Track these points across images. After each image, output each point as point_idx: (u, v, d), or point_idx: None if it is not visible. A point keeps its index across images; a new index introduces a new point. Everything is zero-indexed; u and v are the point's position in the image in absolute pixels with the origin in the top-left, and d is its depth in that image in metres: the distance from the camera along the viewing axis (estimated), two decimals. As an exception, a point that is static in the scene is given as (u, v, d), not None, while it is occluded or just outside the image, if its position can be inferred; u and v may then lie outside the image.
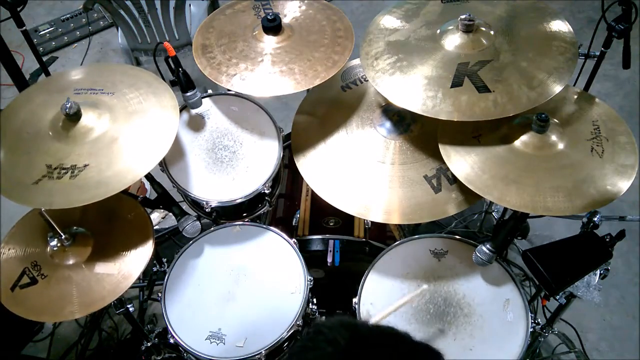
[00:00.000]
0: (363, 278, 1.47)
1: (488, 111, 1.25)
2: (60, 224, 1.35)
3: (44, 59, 2.94)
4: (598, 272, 1.35)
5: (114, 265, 1.37)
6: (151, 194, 2.45)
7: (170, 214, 1.52)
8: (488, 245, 1.36)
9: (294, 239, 1.58)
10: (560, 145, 1.30)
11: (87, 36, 3.47)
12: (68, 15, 3.56)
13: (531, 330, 1.36)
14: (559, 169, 1.26)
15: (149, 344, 1.68)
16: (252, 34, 1.55)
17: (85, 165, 1.28)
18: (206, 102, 1.71)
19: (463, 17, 1.35)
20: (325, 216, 1.76)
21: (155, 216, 2.52)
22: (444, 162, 1.34)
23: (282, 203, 1.98)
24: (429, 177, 1.42)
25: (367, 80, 1.60)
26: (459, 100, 1.27)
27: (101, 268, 1.37)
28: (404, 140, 1.49)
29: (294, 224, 1.73)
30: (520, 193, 1.23)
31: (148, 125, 1.36)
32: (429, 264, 1.48)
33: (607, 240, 1.28)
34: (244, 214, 1.71)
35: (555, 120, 1.34)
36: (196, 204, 1.68)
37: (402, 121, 1.52)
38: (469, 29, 1.37)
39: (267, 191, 1.60)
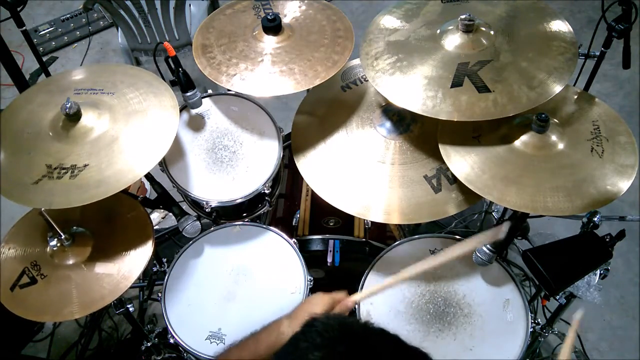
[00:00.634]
0: (363, 278, 1.47)
1: (488, 111, 1.25)
2: (60, 224, 1.35)
3: (44, 59, 2.94)
4: (598, 272, 1.35)
5: (114, 266, 1.37)
6: (151, 194, 2.46)
7: (170, 214, 1.52)
8: (488, 245, 1.36)
9: (294, 239, 1.58)
10: (560, 145, 1.30)
11: (87, 36, 3.47)
12: (68, 15, 3.56)
13: (531, 330, 1.36)
14: (559, 169, 1.26)
15: (149, 344, 1.68)
16: (252, 34, 1.55)
17: (85, 165, 1.28)
18: (206, 102, 1.71)
19: (463, 17, 1.36)
20: (325, 216, 1.76)
21: (155, 216, 2.52)
22: (444, 162, 1.34)
23: (282, 203, 1.98)
24: (429, 177, 1.42)
25: (367, 80, 1.60)
26: (459, 100, 1.27)
27: (101, 268, 1.37)
28: (404, 140, 1.49)
29: (294, 224, 1.73)
30: (520, 193, 1.23)
31: (148, 125, 1.36)
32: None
33: (607, 240, 1.28)
34: (244, 214, 1.71)
35: (555, 120, 1.34)
36: (196, 204, 1.68)
37: (402, 121, 1.52)
38: (469, 29, 1.37)
39: (267, 191, 1.61)
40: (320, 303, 1.14)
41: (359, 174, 1.45)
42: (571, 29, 1.38)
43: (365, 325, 0.76)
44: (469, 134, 1.35)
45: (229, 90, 1.57)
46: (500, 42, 1.37)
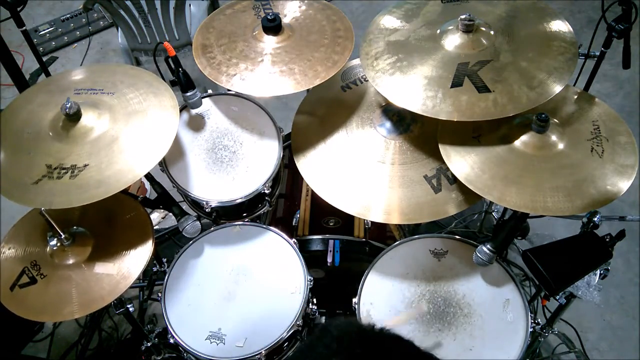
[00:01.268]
0: (363, 278, 1.47)
1: (488, 111, 1.25)
2: (60, 223, 1.35)
3: (44, 59, 2.94)
4: (598, 272, 1.35)
5: (113, 266, 1.37)
6: (151, 194, 2.45)
7: (170, 214, 1.52)
8: (488, 245, 1.36)
9: (294, 239, 1.58)
10: (560, 145, 1.30)
11: (87, 36, 3.47)
12: (68, 15, 3.56)
13: (531, 330, 1.36)
14: (559, 169, 1.26)
15: (149, 344, 1.68)
16: (252, 34, 1.55)
17: (85, 165, 1.28)
18: (206, 102, 1.71)
19: (463, 17, 1.35)
20: (325, 216, 1.76)
21: (155, 216, 2.52)
22: (444, 162, 1.34)
23: (282, 203, 1.98)
24: (429, 177, 1.42)
25: (367, 80, 1.60)
26: (459, 100, 1.27)
27: (100, 268, 1.37)
28: (404, 140, 1.49)
29: (294, 224, 1.73)
30: (520, 193, 1.23)
31: (148, 125, 1.36)
32: (429, 264, 1.48)
33: (607, 240, 1.28)
34: (244, 214, 1.71)
35: (555, 120, 1.34)
36: (196, 204, 1.68)
37: (402, 121, 1.52)
38: (469, 29, 1.37)
39: (267, 191, 1.60)
40: None
41: (359, 174, 1.45)
42: (571, 29, 1.38)
43: (381, 330, 0.75)
44: (469, 134, 1.35)
45: (229, 90, 1.57)
46: (500, 42, 1.37)
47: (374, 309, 1.42)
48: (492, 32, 1.39)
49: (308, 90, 1.62)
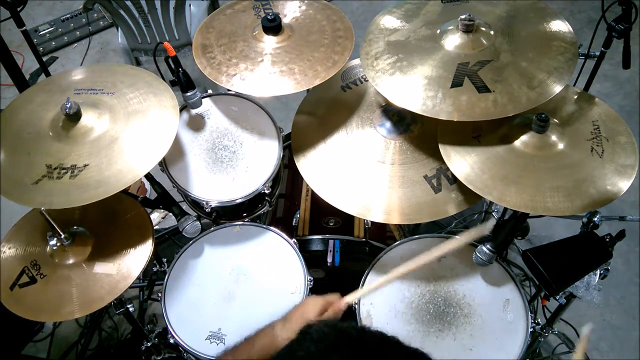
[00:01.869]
0: (363, 278, 1.47)
1: (488, 111, 1.25)
2: (60, 223, 1.35)
3: (44, 59, 2.94)
4: (598, 272, 1.35)
5: (113, 266, 1.37)
6: (151, 194, 2.46)
7: (170, 214, 1.52)
8: (488, 246, 1.36)
9: (294, 239, 1.58)
10: (560, 145, 1.30)
11: (87, 36, 3.47)
12: (68, 15, 3.56)
13: (531, 330, 1.36)
14: (559, 169, 1.26)
15: (149, 344, 1.68)
16: (252, 34, 1.55)
17: (85, 165, 1.28)
18: (206, 102, 1.71)
19: (463, 17, 1.35)
20: (325, 216, 1.76)
21: (155, 216, 2.52)
22: (444, 162, 1.34)
23: (282, 203, 1.98)
24: (429, 177, 1.42)
25: (367, 80, 1.60)
26: (459, 100, 1.27)
27: (100, 268, 1.37)
28: (404, 140, 1.49)
29: (294, 224, 1.73)
30: (520, 193, 1.23)
31: (148, 125, 1.36)
32: (429, 264, 1.48)
33: (607, 240, 1.28)
34: (244, 214, 1.71)
35: (555, 120, 1.34)
36: (196, 204, 1.68)
37: (402, 121, 1.52)
38: (469, 29, 1.37)
39: (267, 191, 1.61)
40: (313, 306, 1.14)
41: (359, 174, 1.45)
42: (571, 29, 1.38)
43: (362, 330, 0.74)
44: (469, 134, 1.35)
45: (229, 90, 1.57)
46: (500, 42, 1.37)
47: (374, 309, 1.42)
48: (492, 32, 1.39)
49: (308, 90, 1.62)
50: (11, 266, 1.39)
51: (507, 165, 1.28)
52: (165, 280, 1.52)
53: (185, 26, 2.56)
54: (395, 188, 1.41)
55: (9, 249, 1.43)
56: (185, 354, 1.44)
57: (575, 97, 1.43)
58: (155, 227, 1.86)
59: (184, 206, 1.64)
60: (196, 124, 1.69)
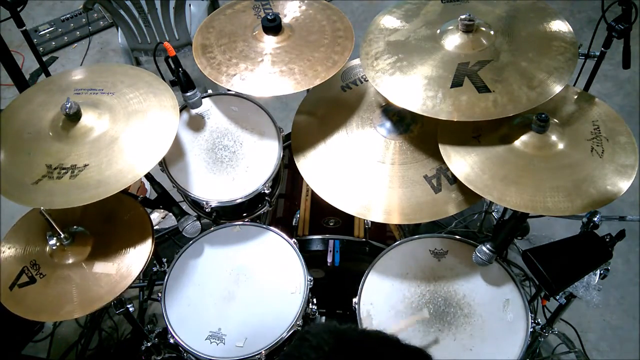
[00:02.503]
0: (363, 278, 1.47)
1: (488, 111, 1.25)
2: (59, 223, 1.35)
3: (44, 59, 2.94)
4: (598, 272, 1.34)
5: (113, 265, 1.37)
6: (151, 194, 2.45)
7: (170, 214, 1.52)
8: (488, 245, 1.36)
9: (294, 239, 1.58)
10: (560, 145, 1.30)
11: (87, 36, 3.47)
12: (68, 15, 3.56)
13: (531, 330, 1.36)
14: (559, 169, 1.26)
15: (149, 344, 1.68)
16: (252, 34, 1.55)
17: (85, 165, 1.28)
18: (206, 102, 1.71)
19: (463, 17, 1.36)
20: (325, 216, 1.76)
21: (155, 216, 2.52)
22: (444, 162, 1.34)
23: (282, 203, 1.98)
24: (429, 177, 1.42)
25: (367, 80, 1.60)
26: (459, 100, 1.27)
27: (100, 268, 1.37)
28: (404, 140, 1.49)
29: (294, 224, 1.73)
30: (520, 193, 1.23)
31: (148, 125, 1.36)
32: (429, 264, 1.48)
33: (607, 240, 1.28)
34: (244, 214, 1.71)
35: (555, 120, 1.34)
36: (196, 204, 1.68)
37: (402, 121, 1.52)
38: (469, 29, 1.37)
39: (267, 191, 1.60)
40: None
41: (359, 174, 1.45)
42: (571, 29, 1.38)
43: (362, 332, 0.73)
44: (469, 134, 1.35)
45: (229, 90, 1.57)
46: (500, 42, 1.37)
47: (374, 309, 1.42)
48: (492, 32, 1.39)
49: (308, 90, 1.62)
50: (11, 266, 1.39)
51: (507, 165, 1.28)
52: (165, 280, 1.52)
53: (185, 26, 2.56)
54: (395, 188, 1.41)
55: (9, 248, 1.43)
56: (185, 354, 1.44)
57: (575, 97, 1.43)
58: (155, 227, 1.86)
59: (184, 206, 1.64)
60: (196, 124, 1.69)
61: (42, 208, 1.27)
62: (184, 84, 1.52)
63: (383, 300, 1.43)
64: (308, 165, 1.51)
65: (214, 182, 1.60)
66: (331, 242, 1.68)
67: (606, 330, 2.14)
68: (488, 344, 1.34)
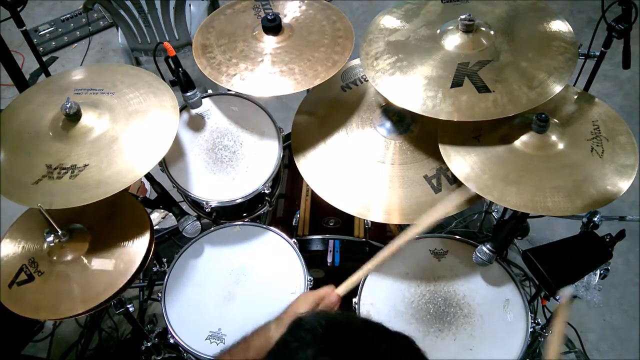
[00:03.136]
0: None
1: (488, 111, 1.25)
2: (57, 220, 1.35)
3: (44, 59, 2.94)
4: (598, 272, 1.35)
5: (111, 262, 1.37)
6: (151, 194, 2.45)
7: (170, 214, 1.52)
8: (488, 245, 1.36)
9: (294, 239, 1.58)
10: (560, 145, 1.30)
11: (87, 36, 3.47)
12: (68, 15, 3.56)
13: (531, 330, 1.36)
14: (559, 169, 1.26)
15: (149, 344, 1.68)
16: (252, 34, 1.55)
17: (85, 165, 1.28)
18: (206, 102, 1.71)
19: (463, 17, 1.36)
20: (325, 216, 1.76)
21: (155, 216, 2.52)
22: (444, 162, 1.34)
23: (282, 203, 1.98)
24: (429, 177, 1.42)
25: (367, 80, 1.60)
26: (459, 100, 1.27)
27: (98, 264, 1.36)
28: (404, 140, 1.49)
29: (294, 224, 1.73)
30: (520, 193, 1.23)
31: (148, 125, 1.36)
32: (429, 264, 1.48)
33: (607, 240, 1.28)
34: (244, 214, 1.71)
35: (555, 120, 1.34)
36: (196, 204, 1.68)
37: (402, 121, 1.52)
38: (469, 29, 1.37)
39: (267, 191, 1.60)
40: (304, 302, 1.15)
41: (359, 174, 1.45)
42: (571, 29, 1.38)
43: (349, 316, 0.75)
44: (469, 134, 1.35)
45: (229, 90, 1.57)
46: (500, 42, 1.37)
47: (374, 309, 1.42)
48: (492, 32, 1.39)
49: (308, 90, 1.62)
50: (10, 264, 1.38)
51: (507, 165, 1.28)
52: (165, 280, 1.52)
53: (185, 26, 2.56)
54: (395, 188, 1.41)
55: (8, 247, 1.42)
56: (185, 354, 1.44)
57: (575, 97, 1.43)
58: (155, 227, 1.86)
59: (184, 206, 1.64)
60: (196, 124, 1.69)
61: (39, 204, 1.27)
62: (184, 84, 1.52)
63: (383, 300, 1.43)
64: (308, 165, 1.51)
65: (214, 182, 1.60)
66: (331, 242, 1.68)
67: (606, 330, 2.14)
68: (488, 344, 1.34)
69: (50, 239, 1.36)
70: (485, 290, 1.43)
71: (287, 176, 1.98)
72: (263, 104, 1.72)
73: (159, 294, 1.50)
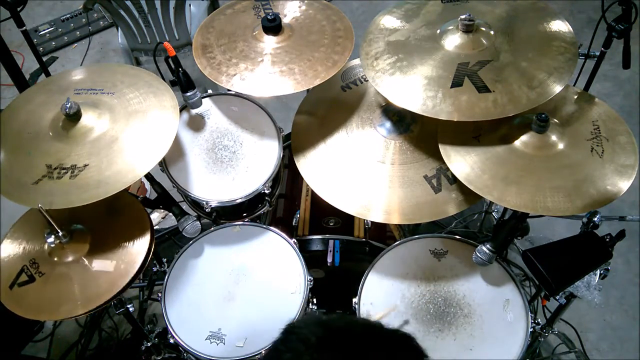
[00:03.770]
0: (363, 278, 1.47)
1: (488, 111, 1.25)
2: (58, 221, 1.35)
3: (44, 59, 2.94)
4: (598, 272, 1.34)
5: (112, 263, 1.37)
6: (151, 194, 2.45)
7: (170, 214, 1.52)
8: (488, 245, 1.36)
9: (294, 239, 1.58)
10: (560, 145, 1.30)
11: (87, 36, 3.47)
12: (68, 15, 3.56)
13: (531, 330, 1.36)
14: (559, 169, 1.26)
15: (149, 344, 1.68)
16: (252, 34, 1.55)
17: (85, 165, 1.28)
18: (206, 102, 1.71)
19: (463, 17, 1.36)
20: (325, 216, 1.76)
21: (155, 216, 2.52)
22: (444, 162, 1.34)
23: (282, 203, 1.98)
24: (429, 177, 1.42)
25: (367, 80, 1.60)
26: (459, 100, 1.27)
27: (98, 265, 1.36)
28: (404, 140, 1.49)
29: (294, 224, 1.73)
30: (520, 193, 1.23)
31: (148, 125, 1.36)
32: (429, 264, 1.48)
33: (607, 240, 1.28)
34: (244, 214, 1.71)
35: (555, 120, 1.34)
36: (196, 204, 1.68)
37: (402, 121, 1.52)
38: (469, 29, 1.37)
39: (267, 191, 1.60)
40: None
41: (359, 174, 1.45)
42: (571, 29, 1.38)
43: (344, 321, 0.72)
44: (469, 134, 1.35)
45: (229, 90, 1.57)
46: (500, 42, 1.37)
47: (374, 309, 1.42)
48: (492, 32, 1.39)
49: (308, 90, 1.62)
50: (11, 265, 1.39)
51: (507, 165, 1.28)
52: (165, 280, 1.52)
53: (185, 26, 2.56)
54: (395, 188, 1.41)
55: (8, 247, 1.43)
56: (185, 354, 1.44)
57: (575, 97, 1.43)
58: (155, 227, 1.86)
59: (184, 206, 1.64)
60: (196, 124, 1.69)
61: (40, 205, 1.27)
62: (184, 84, 1.52)
63: (383, 300, 1.43)
64: (308, 165, 1.51)
65: (214, 182, 1.60)
66: (331, 242, 1.68)
67: (606, 330, 2.14)
68: (488, 344, 1.34)
69: (51, 239, 1.36)
70: (485, 290, 1.43)
71: (287, 176, 1.98)
72: (263, 104, 1.72)
73: (159, 294, 1.50)
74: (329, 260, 1.64)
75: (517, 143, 1.31)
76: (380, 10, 1.55)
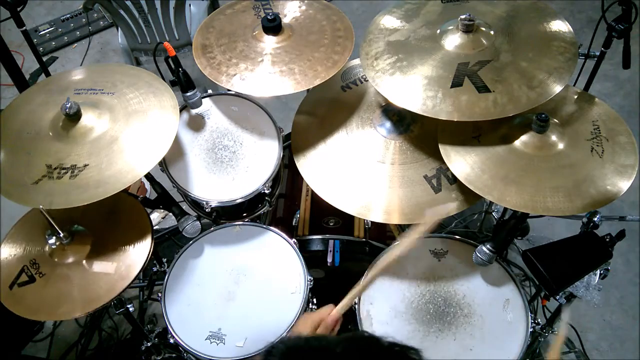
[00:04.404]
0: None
1: (488, 111, 1.25)
2: (59, 222, 1.35)
3: (44, 59, 2.94)
4: (598, 272, 1.35)
5: (112, 265, 1.37)
6: (151, 194, 2.45)
7: (170, 214, 1.52)
8: (488, 245, 1.36)
9: (294, 239, 1.58)
10: (560, 145, 1.30)
11: (87, 36, 3.46)
12: (68, 15, 3.56)
13: (531, 330, 1.36)
14: (559, 169, 1.26)
15: (149, 344, 1.68)
16: (252, 34, 1.55)
17: (85, 165, 1.28)
18: (206, 102, 1.71)
19: (463, 17, 1.36)
20: (325, 216, 1.76)
21: (155, 216, 2.52)
22: (444, 162, 1.34)
23: (282, 203, 1.98)
24: (429, 177, 1.42)
25: (367, 80, 1.60)
26: (459, 100, 1.27)
27: (99, 267, 1.37)
28: (404, 140, 1.49)
29: (294, 224, 1.73)
30: (520, 193, 1.23)
31: (148, 125, 1.36)
32: (429, 264, 1.48)
33: (607, 240, 1.28)
34: (244, 214, 1.71)
35: (555, 120, 1.34)
36: (196, 204, 1.68)
37: (402, 121, 1.52)
38: (469, 29, 1.37)
39: (267, 191, 1.60)
40: (305, 325, 1.12)
41: (359, 174, 1.45)
42: (571, 29, 1.38)
43: (326, 345, 0.69)
44: (469, 134, 1.35)
45: (229, 90, 1.57)
46: (500, 42, 1.37)
47: (374, 309, 1.42)
48: (492, 32, 1.39)
49: (308, 90, 1.62)
50: (11, 265, 1.39)
51: (507, 165, 1.28)
52: (165, 280, 1.52)
53: (185, 26, 2.56)
54: (395, 188, 1.41)
55: (9, 248, 1.43)
56: (185, 354, 1.44)
57: (575, 97, 1.43)
58: (155, 227, 1.86)
59: (184, 206, 1.64)
60: (196, 124, 1.69)
61: (41, 206, 1.27)
62: (184, 84, 1.52)
63: (383, 300, 1.43)
64: (308, 165, 1.51)
65: (214, 182, 1.60)
66: (331, 242, 1.68)
67: (606, 330, 2.14)
68: (488, 344, 1.34)
69: (52, 240, 1.37)
70: (485, 290, 1.43)
71: (287, 176, 1.98)
72: (263, 104, 1.72)
73: (159, 294, 1.50)
74: (329, 260, 1.64)
75: (517, 143, 1.31)
76: (380, 10, 1.55)
